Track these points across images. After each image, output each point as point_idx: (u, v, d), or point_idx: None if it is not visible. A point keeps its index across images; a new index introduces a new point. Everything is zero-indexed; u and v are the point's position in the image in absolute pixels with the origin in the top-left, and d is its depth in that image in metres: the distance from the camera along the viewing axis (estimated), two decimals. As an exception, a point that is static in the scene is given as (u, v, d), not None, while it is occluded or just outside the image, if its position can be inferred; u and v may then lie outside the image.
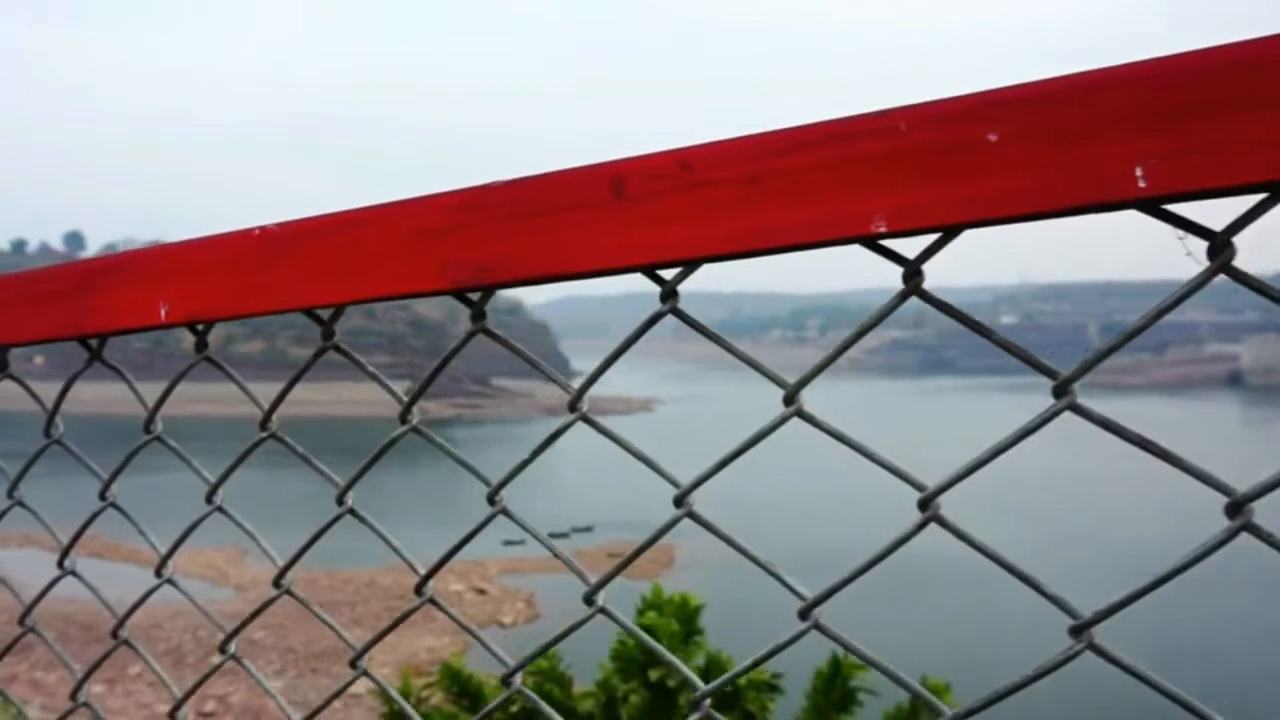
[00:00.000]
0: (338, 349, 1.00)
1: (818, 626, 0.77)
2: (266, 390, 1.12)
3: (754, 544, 0.83)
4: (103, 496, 1.23)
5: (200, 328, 1.07)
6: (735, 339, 0.86)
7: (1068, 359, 0.69)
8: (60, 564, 1.30)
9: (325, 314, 0.98)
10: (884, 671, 0.76)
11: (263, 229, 0.97)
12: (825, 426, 0.77)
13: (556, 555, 0.94)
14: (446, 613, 1.04)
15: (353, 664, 1.10)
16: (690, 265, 0.77)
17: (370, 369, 1.01)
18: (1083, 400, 0.68)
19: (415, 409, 0.97)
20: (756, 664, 0.84)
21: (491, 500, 0.93)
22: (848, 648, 0.77)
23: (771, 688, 7.12)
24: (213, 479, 1.14)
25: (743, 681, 7.17)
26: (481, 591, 33.41)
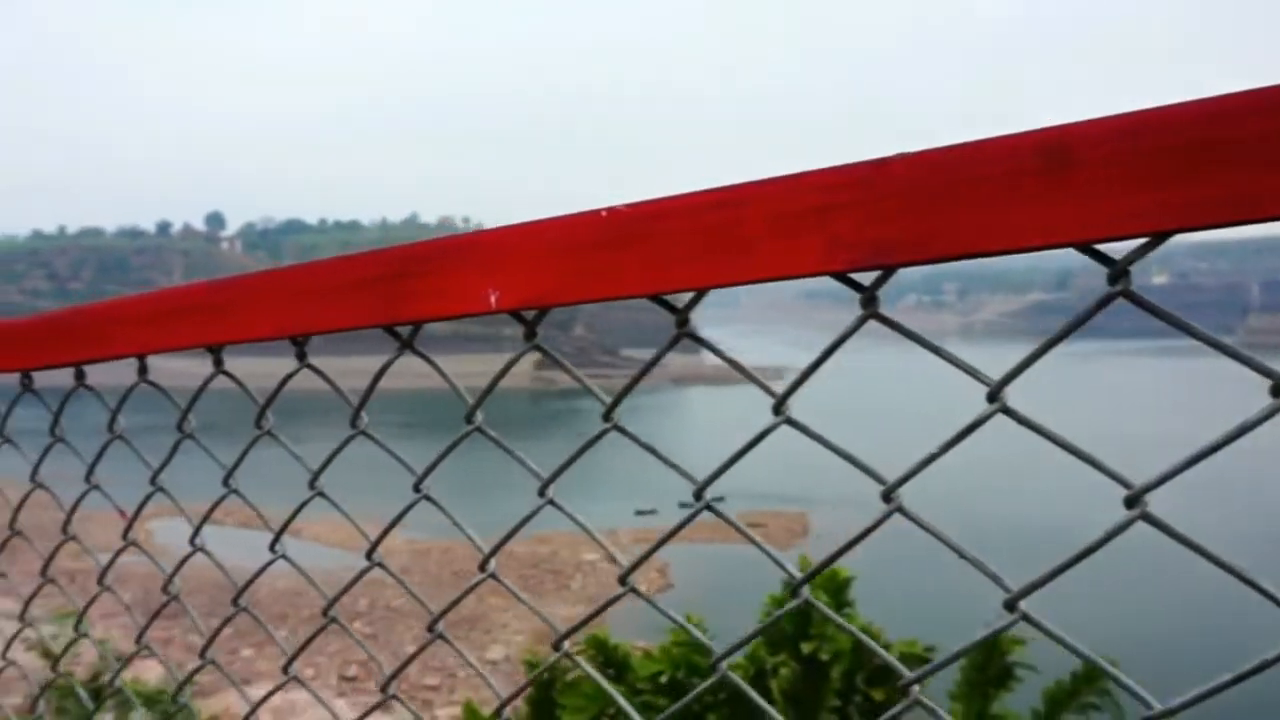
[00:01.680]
0: (692, 337, 0.94)
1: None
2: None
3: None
4: (416, 489, 1.22)
5: (530, 315, 1.03)
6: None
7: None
8: (369, 555, 1.31)
9: (678, 300, 0.93)
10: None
11: (611, 209, 0.92)
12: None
13: (967, 556, 0.87)
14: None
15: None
16: (1155, 239, 0.69)
17: (725, 353, 0.96)
18: None
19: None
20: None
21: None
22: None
23: (924, 661, 6.97)
24: (544, 474, 1.11)
25: (896, 655, 7.03)
26: (614, 561, 33.77)
